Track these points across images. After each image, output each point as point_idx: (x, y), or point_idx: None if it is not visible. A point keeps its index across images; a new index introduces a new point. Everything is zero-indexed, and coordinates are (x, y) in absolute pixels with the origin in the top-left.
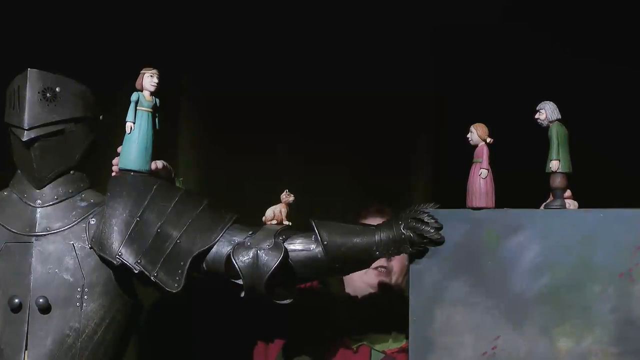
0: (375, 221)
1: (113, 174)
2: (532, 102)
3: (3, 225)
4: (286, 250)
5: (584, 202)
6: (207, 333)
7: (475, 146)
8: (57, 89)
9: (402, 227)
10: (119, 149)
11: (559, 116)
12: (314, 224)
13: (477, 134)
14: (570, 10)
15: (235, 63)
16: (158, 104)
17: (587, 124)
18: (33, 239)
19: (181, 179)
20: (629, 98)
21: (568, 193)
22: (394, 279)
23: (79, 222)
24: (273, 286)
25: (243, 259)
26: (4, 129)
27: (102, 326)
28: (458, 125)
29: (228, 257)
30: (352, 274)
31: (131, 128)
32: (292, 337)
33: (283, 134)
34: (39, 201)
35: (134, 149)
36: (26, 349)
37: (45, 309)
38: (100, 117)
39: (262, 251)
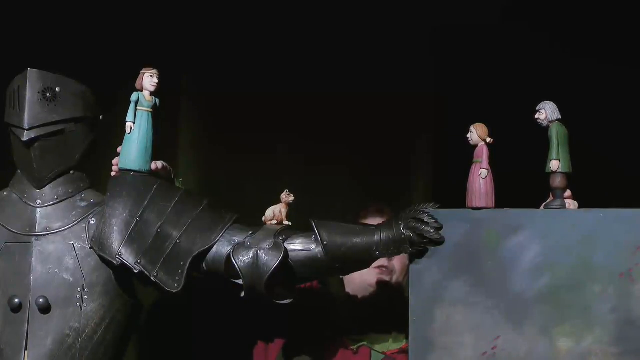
0: (375, 221)
1: (113, 173)
2: (532, 102)
3: (3, 225)
4: (286, 250)
5: (584, 202)
6: (207, 333)
7: (475, 146)
8: (57, 89)
9: (402, 227)
10: (119, 149)
11: (559, 116)
12: (314, 224)
13: (477, 134)
14: (570, 10)
15: (235, 63)
16: (158, 104)
17: (587, 124)
18: (33, 238)
19: (181, 179)
20: (629, 98)
21: (568, 193)
22: (394, 278)
23: (79, 222)
24: (273, 286)
25: (243, 259)
26: (4, 129)
27: (102, 326)
28: (458, 125)
29: (228, 257)
30: (353, 273)
31: (131, 128)
32: (292, 338)
33: (283, 134)
34: (39, 201)
35: (134, 149)
36: (26, 349)
37: (45, 309)
38: (100, 117)
39: (262, 251)
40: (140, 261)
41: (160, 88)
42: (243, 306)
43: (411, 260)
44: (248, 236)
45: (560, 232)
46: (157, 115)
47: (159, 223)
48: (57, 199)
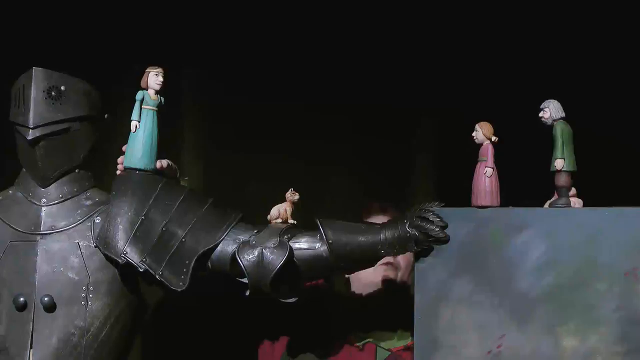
0: (379, 220)
1: (118, 172)
2: (537, 100)
3: (8, 224)
4: (291, 249)
5: (589, 200)
6: (212, 332)
7: (480, 145)
8: (62, 88)
9: (407, 225)
10: (124, 148)
11: (563, 114)
12: (319, 222)
13: (482, 132)
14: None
15: (240, 64)
16: (163, 103)
17: (593, 122)
18: (38, 237)
19: (186, 178)
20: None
21: (573, 191)
22: (400, 275)
23: (84, 220)
24: (278, 285)
25: (248, 258)
26: (9, 127)
27: (107, 325)
28: (464, 125)
29: (233, 256)
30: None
31: (136, 127)
32: (298, 335)
33: (288, 133)
34: (44, 200)
35: (139, 147)
36: (31, 347)
37: (50, 308)
38: (105, 115)
39: (267, 250)
40: (146, 260)
41: (166, 87)
42: (248, 305)
43: (416, 258)
44: (253, 235)
45: (566, 231)
46: (162, 113)
47: (164, 222)
48: (62, 197)
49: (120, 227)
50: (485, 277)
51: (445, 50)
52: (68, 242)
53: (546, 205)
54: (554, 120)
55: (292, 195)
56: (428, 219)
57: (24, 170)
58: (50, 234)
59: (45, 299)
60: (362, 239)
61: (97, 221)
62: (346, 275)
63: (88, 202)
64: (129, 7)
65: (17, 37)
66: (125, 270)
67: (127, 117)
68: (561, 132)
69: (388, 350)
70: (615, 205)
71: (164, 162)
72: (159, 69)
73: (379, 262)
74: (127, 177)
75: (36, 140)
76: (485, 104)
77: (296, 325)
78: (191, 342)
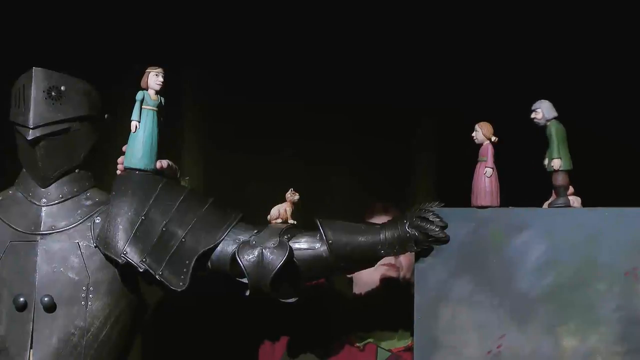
0: (380, 220)
1: (118, 172)
2: (537, 100)
3: (8, 224)
4: (291, 249)
5: (589, 200)
6: (213, 332)
7: (480, 145)
8: (62, 88)
9: (407, 225)
10: (124, 148)
11: (556, 114)
12: (319, 222)
13: (482, 132)
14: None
15: (240, 64)
16: (163, 103)
17: (593, 122)
18: (38, 237)
19: (187, 178)
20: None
21: (571, 190)
22: (401, 275)
23: (84, 220)
24: (278, 285)
25: (248, 258)
26: (9, 127)
27: (107, 325)
28: (464, 124)
29: (233, 256)
30: (360, 271)
31: (136, 127)
32: (298, 336)
33: (288, 133)
34: (44, 200)
35: (139, 147)
36: (31, 347)
37: (51, 308)
38: (106, 116)
39: (267, 250)
40: (146, 260)
41: (166, 87)
42: (248, 305)
43: (416, 259)
44: (253, 235)
45: (565, 231)
46: (162, 114)
47: (164, 222)
48: (62, 197)
49: (120, 227)
50: (485, 277)
51: (445, 51)
52: (68, 242)
53: (545, 205)
54: (547, 121)
55: (292, 196)
56: (428, 219)
57: (24, 170)
58: (50, 234)
59: (45, 299)
60: (362, 239)
61: (97, 221)
62: (348, 276)
63: (88, 202)
64: (128, 7)
65: (17, 37)
66: (125, 270)
67: (127, 117)
68: (555, 131)
69: (389, 350)
70: (615, 205)
71: (164, 162)
72: (159, 69)
73: (381, 263)
74: (127, 177)
75: (36, 140)
76: (485, 104)
77: (296, 325)
78: (191, 342)
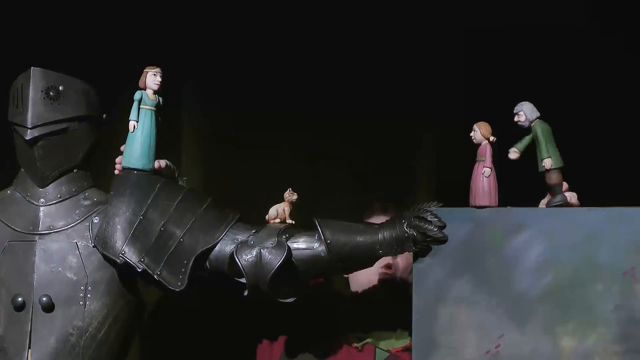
0: (380, 220)
1: (116, 172)
2: (536, 99)
3: (6, 224)
4: (289, 249)
5: (588, 200)
6: (211, 331)
7: (479, 145)
8: (60, 88)
9: (405, 225)
10: (122, 148)
11: (538, 114)
12: (317, 222)
13: (480, 132)
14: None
15: (238, 63)
16: (162, 103)
17: (593, 122)
18: (36, 237)
19: (185, 178)
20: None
21: (565, 186)
22: (399, 275)
23: (82, 220)
24: (276, 285)
25: (246, 258)
26: (7, 127)
27: (106, 325)
28: (462, 124)
29: (231, 256)
30: (358, 271)
31: (134, 127)
32: (297, 336)
33: (287, 133)
34: (42, 200)
35: (137, 147)
36: (29, 347)
37: (49, 308)
38: (104, 115)
39: (265, 250)
40: (144, 260)
41: (164, 87)
42: (246, 305)
43: (415, 259)
44: (251, 235)
45: (564, 231)
46: (160, 113)
47: (163, 222)
48: (60, 197)
49: (119, 227)
50: (483, 277)
51: (445, 51)
52: (66, 242)
53: (541, 204)
54: (531, 122)
55: (290, 195)
56: (426, 219)
57: (22, 170)
58: (48, 234)
59: (44, 299)
60: (361, 239)
61: (96, 221)
62: (345, 276)
63: (86, 202)
64: (128, 7)
65: (16, 37)
66: (124, 270)
67: (125, 117)
68: (541, 131)
69: (387, 351)
70: (614, 205)
71: (162, 162)
72: (157, 69)
73: (378, 263)
74: (125, 177)
75: (34, 140)
76: (484, 104)
77: (295, 325)
78: (189, 341)
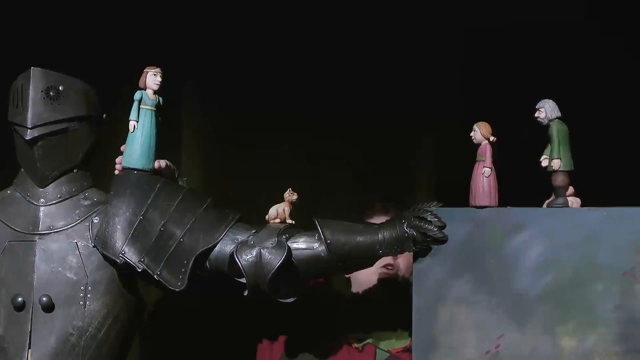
0: (381, 219)
1: (116, 172)
2: (536, 99)
3: (6, 224)
4: (289, 249)
5: (589, 200)
6: (211, 331)
7: (479, 145)
8: (60, 88)
9: (405, 225)
10: (123, 148)
11: (559, 114)
12: (317, 222)
13: (480, 132)
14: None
15: (238, 63)
16: (162, 103)
17: (592, 121)
18: (36, 237)
19: (185, 178)
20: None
21: (571, 190)
22: (399, 275)
23: (82, 220)
24: (276, 285)
25: (246, 258)
26: (7, 127)
27: (106, 325)
28: (462, 124)
29: (231, 256)
30: (358, 272)
31: (134, 127)
32: (297, 336)
33: (287, 134)
34: (42, 200)
35: (137, 147)
36: (29, 347)
37: (49, 308)
38: (104, 115)
39: (265, 250)
40: (144, 260)
41: (164, 87)
42: (247, 305)
43: (415, 259)
44: (251, 235)
45: (564, 231)
46: (160, 113)
47: (163, 222)
48: (60, 197)
49: (119, 227)
50: (483, 277)
51: (445, 51)
52: (66, 242)
53: (544, 205)
54: (550, 120)
55: (290, 195)
56: (426, 219)
57: (23, 170)
58: (48, 234)
59: (44, 299)
60: (361, 239)
61: (96, 221)
62: (346, 275)
63: (86, 202)
64: (128, 7)
65: (16, 37)
66: (124, 270)
67: (125, 117)
68: (557, 132)
69: (387, 351)
70: (614, 205)
71: (162, 162)
72: (157, 69)
73: (379, 263)
74: (125, 177)
75: (34, 140)
76: (484, 104)
77: (295, 325)
78: (190, 341)
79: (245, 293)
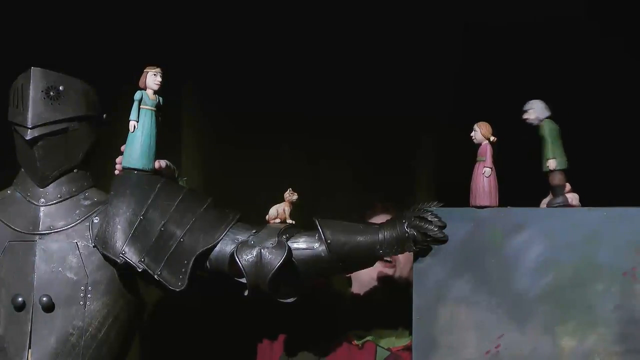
0: (381, 219)
1: (116, 172)
2: (537, 99)
3: (7, 224)
4: (289, 249)
5: (588, 200)
6: (211, 331)
7: (479, 145)
8: (60, 88)
9: (405, 225)
10: (123, 148)
11: (549, 113)
12: (317, 222)
13: (480, 132)
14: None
15: (238, 63)
16: (162, 103)
17: (592, 121)
18: (36, 237)
19: (185, 178)
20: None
21: (568, 187)
22: (398, 272)
23: (82, 220)
24: (277, 284)
25: (246, 258)
26: (7, 127)
27: (106, 325)
28: (462, 124)
29: (231, 256)
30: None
31: (134, 127)
32: (297, 335)
33: (287, 133)
34: (42, 200)
35: (137, 147)
36: (30, 347)
37: (49, 308)
38: (104, 115)
39: (266, 250)
40: (144, 260)
41: (164, 87)
42: (247, 304)
43: (415, 258)
44: (251, 235)
45: (564, 231)
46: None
47: (163, 222)
48: (60, 197)
49: (119, 227)
50: (483, 277)
51: (445, 51)
52: (66, 242)
53: (542, 204)
54: (540, 120)
55: (290, 195)
56: (426, 218)
57: (23, 170)
58: (48, 234)
59: (44, 299)
60: (361, 239)
61: (96, 221)
62: (347, 275)
63: (87, 202)
64: (128, 7)
65: (16, 37)
66: (124, 270)
67: (125, 117)
68: (549, 131)
69: (387, 349)
70: (614, 205)
71: (162, 162)
72: (157, 69)
73: (379, 262)
74: (125, 177)
75: (35, 140)
76: (484, 104)
77: (295, 324)
78: (190, 341)
79: (246, 293)
